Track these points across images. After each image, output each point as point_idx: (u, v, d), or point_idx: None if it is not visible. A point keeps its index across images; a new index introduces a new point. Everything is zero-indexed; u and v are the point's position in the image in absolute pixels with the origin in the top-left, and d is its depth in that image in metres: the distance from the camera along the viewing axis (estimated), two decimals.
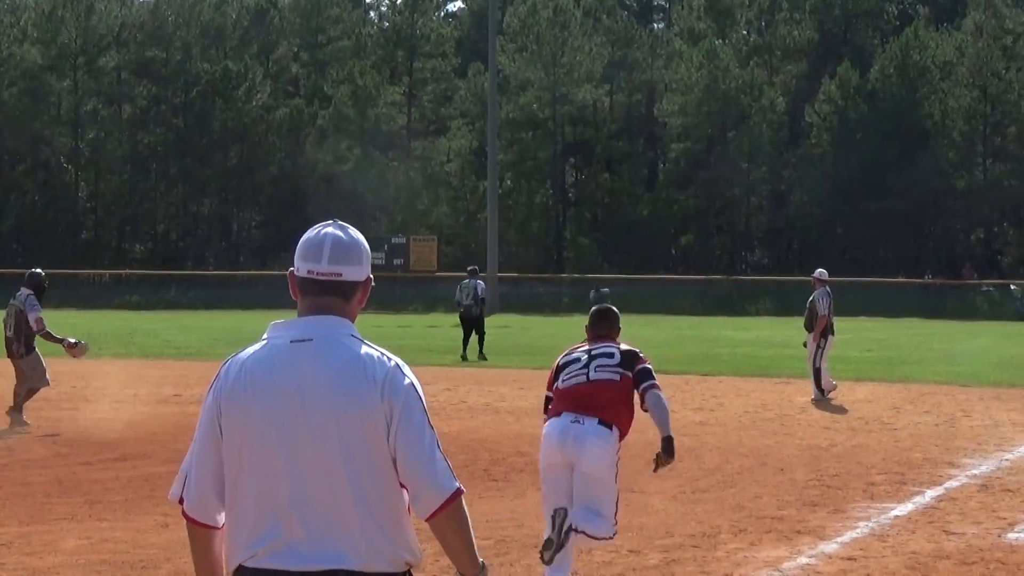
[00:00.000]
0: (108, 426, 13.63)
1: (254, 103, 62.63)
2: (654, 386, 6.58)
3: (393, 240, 52.95)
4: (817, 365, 16.92)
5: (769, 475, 11.13)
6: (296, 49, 70.57)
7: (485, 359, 23.58)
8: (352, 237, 3.11)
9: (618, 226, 62.03)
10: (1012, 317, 44.63)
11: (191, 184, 62.99)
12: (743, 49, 63.47)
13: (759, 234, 64.92)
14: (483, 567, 3.11)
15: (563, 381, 6.65)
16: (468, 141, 64.46)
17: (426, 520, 3.03)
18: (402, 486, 3.03)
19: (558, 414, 6.57)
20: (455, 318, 25.17)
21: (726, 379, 20.39)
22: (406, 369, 3.05)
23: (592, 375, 6.57)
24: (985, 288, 52.77)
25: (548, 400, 6.84)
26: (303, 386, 2.98)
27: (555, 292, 55.06)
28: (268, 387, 3.00)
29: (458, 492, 3.02)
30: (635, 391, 6.61)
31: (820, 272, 17.70)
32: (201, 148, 62.49)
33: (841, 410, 15.99)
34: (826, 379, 17.00)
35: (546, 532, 6.34)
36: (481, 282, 24.95)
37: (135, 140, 63.20)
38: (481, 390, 18.24)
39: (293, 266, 3.10)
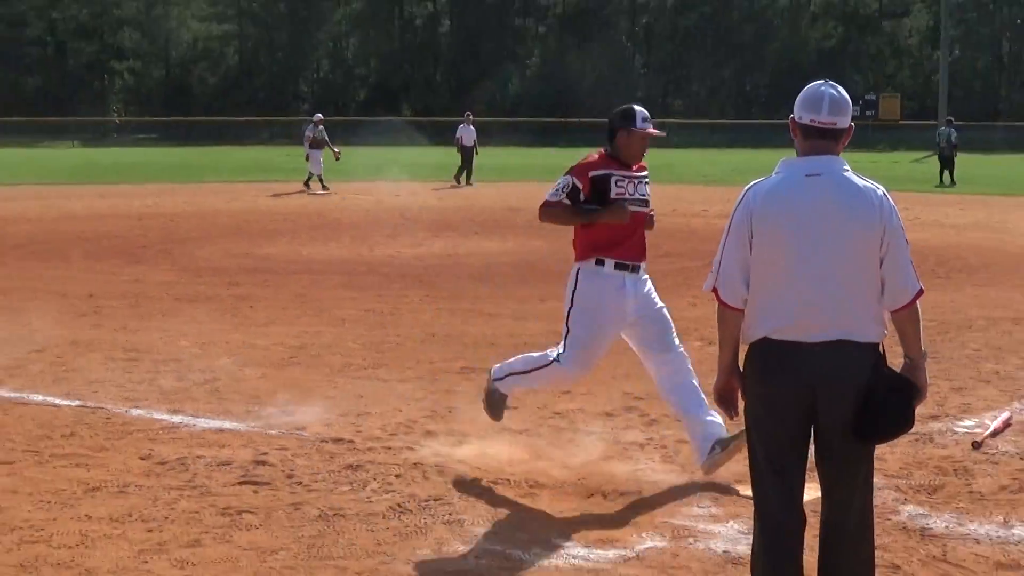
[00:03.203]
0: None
1: None
2: None
3: (865, 97, 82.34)
4: None
5: None
6: None
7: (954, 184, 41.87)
8: (842, 95, 5.15)
9: None
10: None
11: None
12: None
13: None
14: (925, 354, 5.26)
15: None
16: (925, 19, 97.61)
17: (892, 312, 5.15)
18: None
19: None
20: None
21: None
22: (888, 196, 5.12)
23: None
24: None
25: None
26: (821, 210, 5.05)
27: None
28: (793, 209, 5.07)
29: (920, 292, 5.14)
30: None
31: None
32: None
33: None
34: None
35: None
36: (953, 130, 44.42)
37: None
38: (934, 211, 28.63)
39: (794, 115, 5.17)
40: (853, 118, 5.26)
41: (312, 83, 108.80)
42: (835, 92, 5.10)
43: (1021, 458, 8.21)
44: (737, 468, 7.91)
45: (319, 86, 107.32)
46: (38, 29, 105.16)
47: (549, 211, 8.15)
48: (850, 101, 5.18)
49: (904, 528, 6.91)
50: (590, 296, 7.85)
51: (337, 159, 38.08)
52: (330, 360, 11.51)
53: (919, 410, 5.28)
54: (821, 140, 5.09)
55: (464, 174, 40.01)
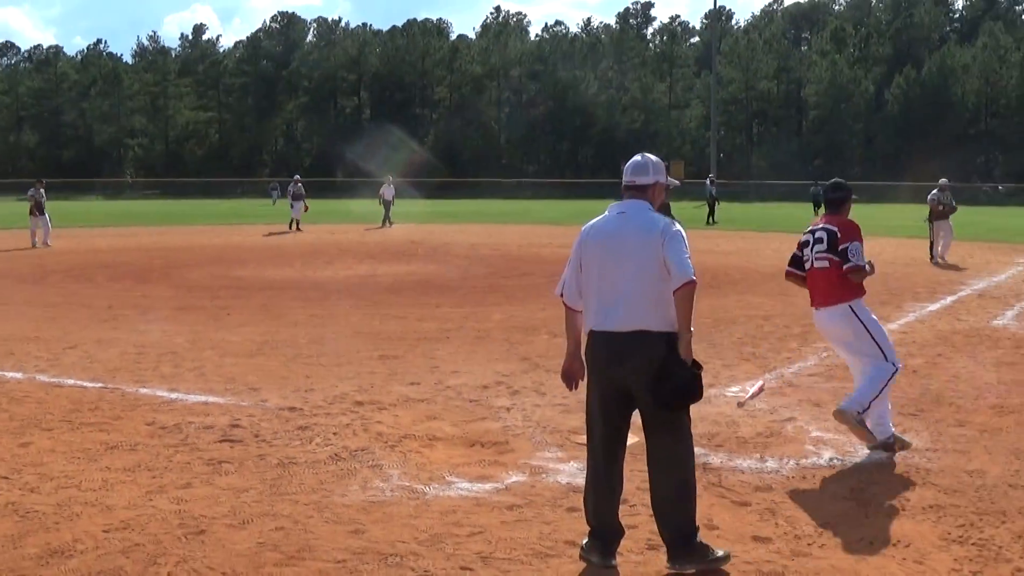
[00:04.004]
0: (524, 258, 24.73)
1: None
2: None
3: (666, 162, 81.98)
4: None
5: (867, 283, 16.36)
6: None
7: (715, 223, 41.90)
8: (644, 161, 5.30)
9: None
10: None
11: None
12: None
13: None
14: (691, 333, 4.97)
15: None
16: (700, 110, 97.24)
17: (672, 293, 4.91)
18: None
19: None
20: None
21: None
22: (672, 224, 5.04)
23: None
24: None
25: None
26: (623, 236, 5.08)
27: None
28: (605, 237, 5.14)
29: (691, 282, 4.89)
30: None
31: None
32: None
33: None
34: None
35: None
36: (713, 187, 44.51)
37: None
38: (707, 242, 35.48)
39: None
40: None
41: (272, 154, 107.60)
42: (639, 160, 5.29)
43: (771, 413, 8.32)
44: (577, 424, 7.90)
45: (276, 156, 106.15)
46: (72, 115, 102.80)
47: (863, 273, 7.22)
48: (651, 167, 5.25)
49: None
50: (872, 314, 7.33)
51: (306, 210, 36.44)
52: (285, 351, 11.30)
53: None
54: (630, 191, 5.22)
55: (386, 219, 39.35)
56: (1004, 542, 5.48)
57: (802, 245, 7.51)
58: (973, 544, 5.46)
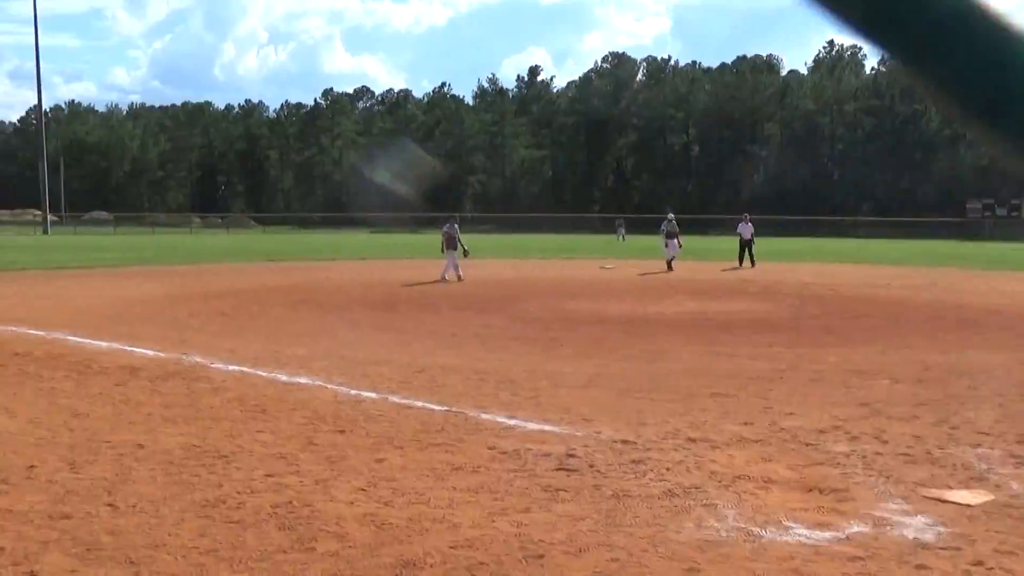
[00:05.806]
0: None
1: None
2: None
3: None
4: None
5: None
6: None
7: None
8: None
9: None
10: None
11: None
12: None
13: None
14: None
15: None
16: None
17: None
18: None
19: None
20: None
21: None
22: None
23: None
24: None
25: None
26: None
27: None
28: None
29: None
30: None
31: None
32: None
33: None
34: None
35: None
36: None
37: None
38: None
39: None
40: None
41: (602, 190, 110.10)
42: None
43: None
44: (923, 475, 7.47)
45: (606, 192, 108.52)
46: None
47: None
48: None
49: None
50: None
51: (680, 247, 34.86)
52: (617, 384, 11.44)
53: None
54: None
55: (750, 259, 36.20)
56: None
57: None
58: None
